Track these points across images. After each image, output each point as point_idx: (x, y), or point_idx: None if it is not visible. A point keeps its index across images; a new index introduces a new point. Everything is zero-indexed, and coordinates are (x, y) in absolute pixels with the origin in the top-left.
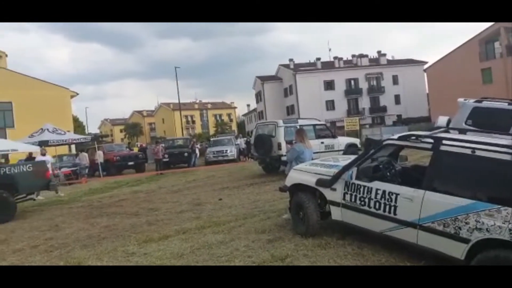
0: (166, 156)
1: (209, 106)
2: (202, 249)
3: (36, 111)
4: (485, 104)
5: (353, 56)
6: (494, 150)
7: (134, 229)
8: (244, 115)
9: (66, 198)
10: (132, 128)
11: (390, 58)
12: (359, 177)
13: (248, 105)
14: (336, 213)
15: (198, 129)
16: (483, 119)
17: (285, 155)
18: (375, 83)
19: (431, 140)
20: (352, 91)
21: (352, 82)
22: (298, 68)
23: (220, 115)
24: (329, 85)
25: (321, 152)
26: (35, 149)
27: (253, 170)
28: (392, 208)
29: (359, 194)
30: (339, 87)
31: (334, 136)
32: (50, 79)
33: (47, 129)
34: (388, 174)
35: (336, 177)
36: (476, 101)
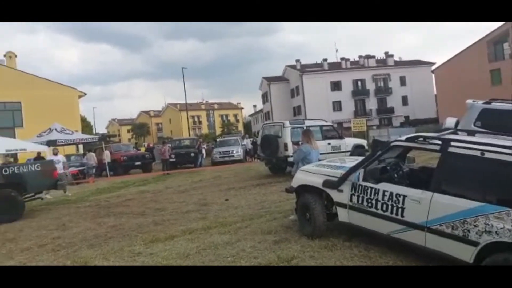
0: (173, 156)
1: (215, 106)
2: (208, 249)
3: (45, 111)
4: (494, 105)
5: (360, 57)
6: (504, 152)
7: (141, 229)
8: (251, 115)
9: (74, 198)
10: (139, 128)
11: (397, 59)
12: (366, 178)
13: (255, 106)
14: (343, 215)
15: (205, 130)
16: (492, 121)
17: (291, 156)
18: (382, 84)
19: (439, 142)
20: (359, 92)
21: (359, 83)
22: (305, 69)
23: (227, 116)
24: (336, 86)
25: (328, 153)
26: (43, 149)
27: (260, 170)
28: (400, 210)
29: (366, 195)
30: (346, 88)
31: (341, 137)
32: (58, 79)
33: (55, 129)
34: (395, 175)
35: (343, 179)
36: (485, 103)
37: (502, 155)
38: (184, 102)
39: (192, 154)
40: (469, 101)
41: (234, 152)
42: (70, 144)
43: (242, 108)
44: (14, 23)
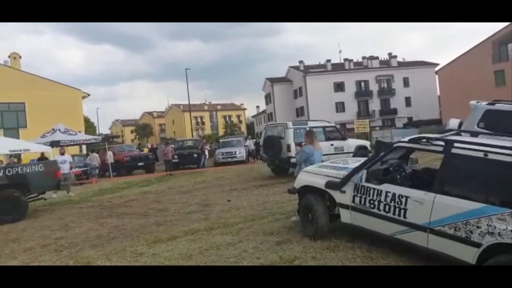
0: (176, 157)
1: (218, 107)
2: (210, 250)
3: (48, 112)
4: (498, 106)
5: (364, 58)
6: (507, 153)
7: (143, 229)
8: (254, 116)
9: (77, 198)
10: (142, 129)
11: (401, 60)
12: (369, 179)
13: (258, 107)
14: (346, 216)
15: (208, 130)
16: (495, 122)
17: (294, 157)
18: (385, 85)
19: (442, 143)
20: (362, 93)
21: (363, 84)
22: (308, 70)
23: (230, 117)
24: (339, 87)
25: (331, 154)
26: (47, 149)
27: (262, 171)
28: (402, 211)
29: (369, 196)
30: (349, 89)
31: (344, 138)
32: (62, 80)
33: (59, 130)
34: (398, 176)
35: (345, 180)
36: (488, 104)
37: (506, 157)
38: (187, 103)
39: (195, 155)
40: (473, 102)
41: (237, 153)
42: (73, 144)
43: (245, 109)
44: (18, 24)
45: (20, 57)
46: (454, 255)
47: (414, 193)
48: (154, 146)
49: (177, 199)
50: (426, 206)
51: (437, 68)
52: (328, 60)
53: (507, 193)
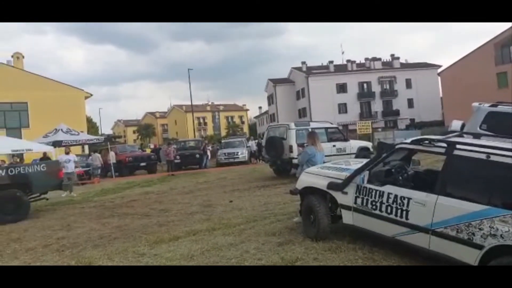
0: (178, 157)
1: (221, 108)
2: (212, 250)
3: (51, 112)
4: (500, 108)
5: (366, 59)
6: (509, 155)
7: (145, 229)
8: (256, 117)
9: (79, 198)
10: (145, 129)
11: (403, 61)
12: (371, 181)
13: (260, 108)
14: (347, 217)
15: (210, 131)
16: (498, 124)
17: (296, 158)
18: (388, 86)
19: (445, 145)
20: (365, 94)
21: (365, 85)
22: (311, 71)
23: (232, 117)
24: (342, 88)
25: (333, 155)
26: (49, 149)
27: (264, 172)
28: (404, 212)
29: (371, 198)
30: (351, 90)
31: (346, 139)
32: (64, 80)
33: (61, 130)
34: (400, 178)
35: (347, 181)
36: (491, 106)
37: (508, 158)
38: (189, 103)
39: (197, 156)
40: (475, 104)
41: (239, 153)
42: (75, 144)
43: (247, 110)
44: (21, 24)
45: (23, 57)
46: (456, 257)
47: (416, 195)
48: (157, 146)
49: (179, 200)
50: (428, 207)
51: (439, 70)
52: (331, 61)
53: (510, 195)
